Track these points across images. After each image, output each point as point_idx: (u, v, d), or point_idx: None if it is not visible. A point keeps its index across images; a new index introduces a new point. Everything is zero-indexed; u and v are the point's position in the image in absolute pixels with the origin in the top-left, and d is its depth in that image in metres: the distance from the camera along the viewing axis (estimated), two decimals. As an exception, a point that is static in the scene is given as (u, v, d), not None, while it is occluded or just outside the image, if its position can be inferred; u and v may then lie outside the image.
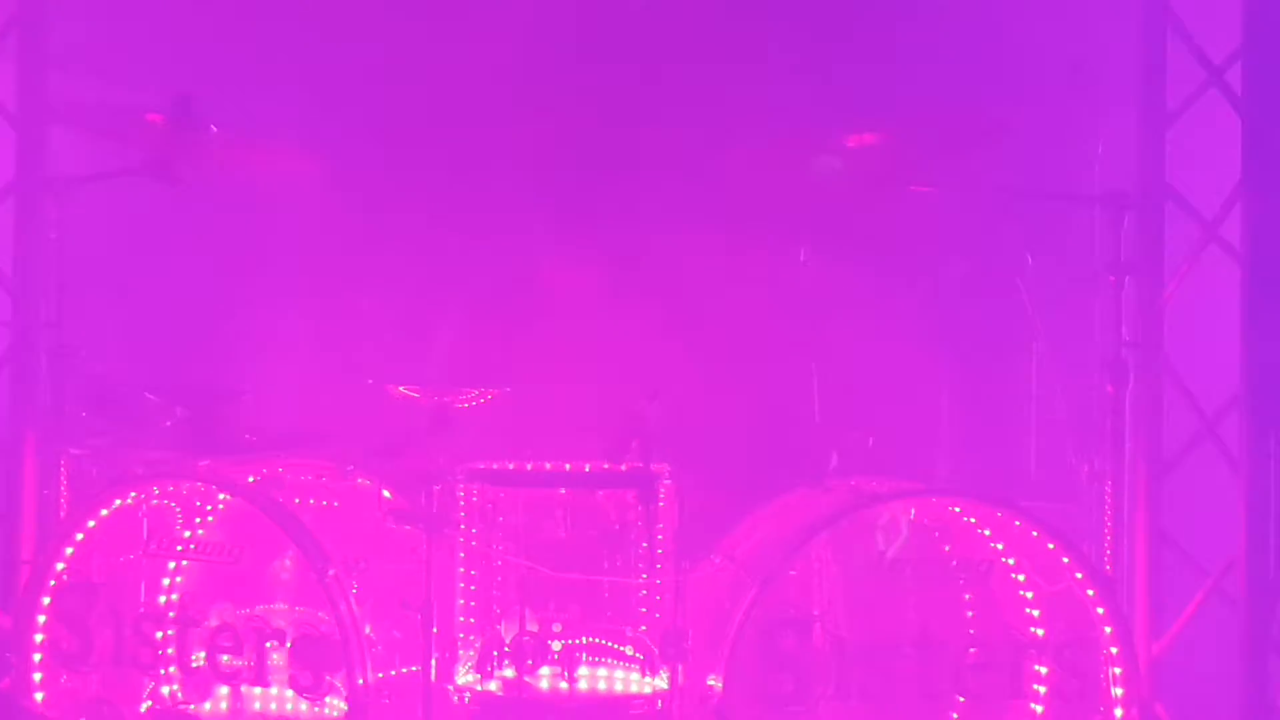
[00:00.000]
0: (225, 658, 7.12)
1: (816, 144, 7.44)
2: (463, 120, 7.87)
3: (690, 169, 7.85)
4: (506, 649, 6.99)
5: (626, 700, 7.04)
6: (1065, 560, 7.07)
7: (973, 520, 7.14)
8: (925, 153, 7.36)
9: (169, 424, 7.43)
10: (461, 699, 7.06)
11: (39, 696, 7.23)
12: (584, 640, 7.03)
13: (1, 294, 7.96)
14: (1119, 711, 7.06)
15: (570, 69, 7.90)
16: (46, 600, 7.23)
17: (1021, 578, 7.15)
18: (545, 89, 7.89)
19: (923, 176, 7.35)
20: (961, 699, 7.12)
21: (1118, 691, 7.06)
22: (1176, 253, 7.79)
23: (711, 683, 6.93)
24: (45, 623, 7.23)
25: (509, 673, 6.99)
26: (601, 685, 7.05)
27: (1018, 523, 7.07)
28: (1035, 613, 7.14)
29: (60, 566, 7.24)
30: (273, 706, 7.14)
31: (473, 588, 7.10)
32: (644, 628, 7.04)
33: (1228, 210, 7.73)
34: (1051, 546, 7.06)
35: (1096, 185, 7.87)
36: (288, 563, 7.29)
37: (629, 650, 7.05)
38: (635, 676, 7.05)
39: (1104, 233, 7.43)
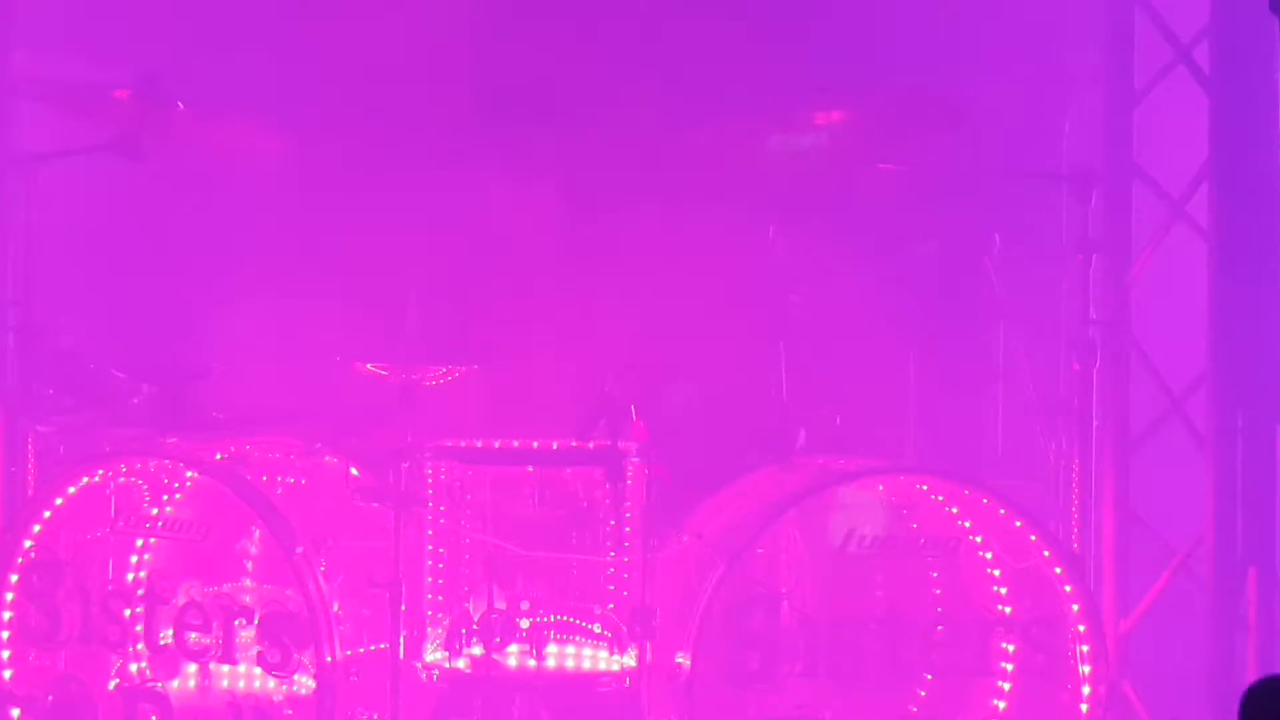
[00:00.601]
0: (193, 635, 7.11)
1: (783, 121, 7.44)
2: (427, 97, 7.85)
3: (657, 146, 7.84)
4: (475, 626, 6.99)
5: (595, 678, 7.04)
6: (1032, 538, 7.08)
7: (940, 498, 7.16)
8: (892, 131, 7.36)
9: (136, 401, 7.41)
10: (430, 676, 7.06)
11: (6, 674, 7.23)
12: (552, 618, 7.02)
13: (-32, 271, 7.94)
14: (1086, 689, 7.08)
15: (536, 41, 7.88)
16: (14, 578, 7.22)
17: (989, 555, 7.16)
18: (512, 62, 7.87)
19: (889, 155, 7.35)
20: (929, 676, 7.15)
21: (1085, 669, 7.08)
22: (1144, 231, 7.82)
23: (680, 660, 6.94)
24: (13, 600, 7.22)
25: (477, 650, 6.99)
26: (570, 663, 7.05)
27: (985, 500, 7.09)
28: (1003, 590, 7.16)
29: (28, 544, 7.23)
30: (241, 684, 7.14)
31: (441, 565, 7.09)
32: (612, 605, 7.04)
33: (1195, 188, 7.75)
34: (1019, 524, 7.08)
35: (1064, 164, 7.87)
36: (255, 540, 7.28)
37: (597, 628, 7.05)
38: (603, 654, 7.05)
39: (1071, 211, 7.45)
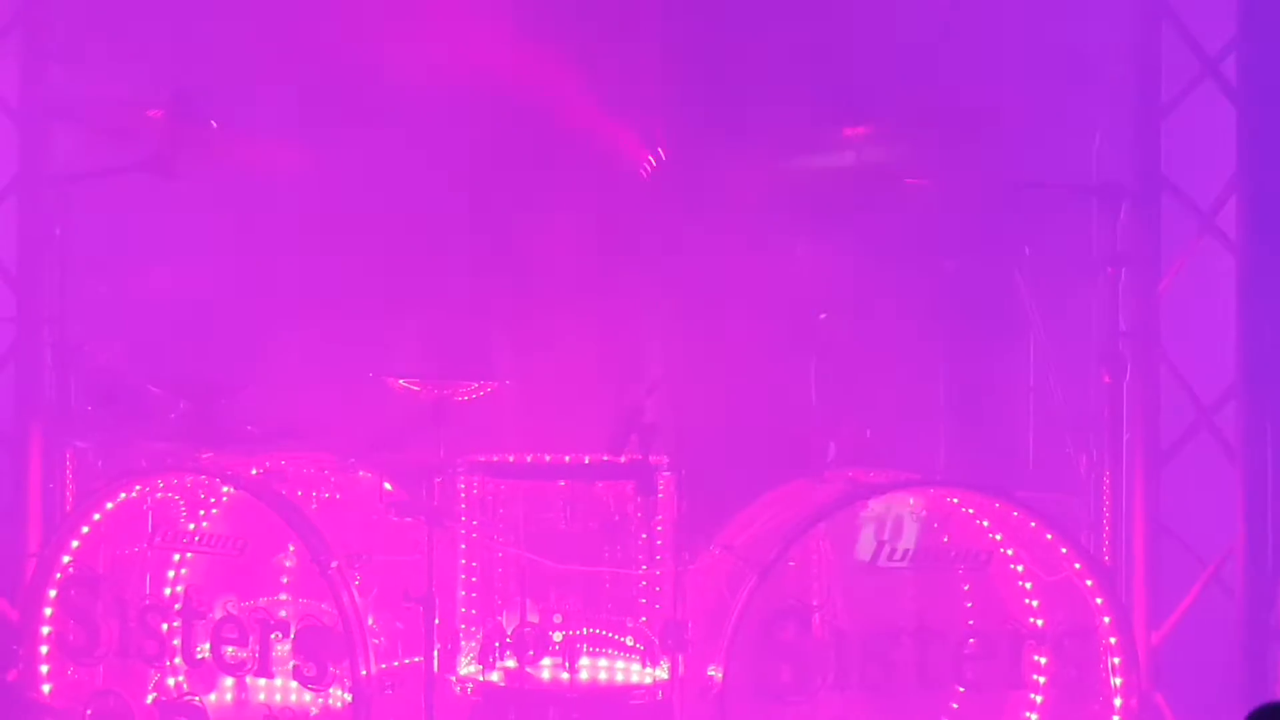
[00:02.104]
0: (230, 649, 7.16)
1: (812, 138, 7.47)
2: (459, 113, 7.89)
3: (687, 164, 7.87)
4: (508, 640, 7.03)
5: (627, 690, 7.07)
6: (1064, 550, 7.10)
7: (971, 511, 7.17)
8: (921, 146, 7.38)
9: (173, 417, 7.46)
10: (464, 689, 7.10)
11: (46, 688, 7.29)
12: (585, 631, 7.06)
13: (5, 289, 8.01)
14: (1118, 701, 7.09)
15: (576, 60, 7.91)
16: (53, 593, 7.29)
17: (1020, 568, 7.17)
18: (546, 79, 7.90)
19: (919, 169, 7.37)
20: (961, 689, 7.16)
21: (1117, 681, 7.10)
22: (1173, 244, 7.81)
23: (711, 673, 6.96)
24: (52, 615, 7.29)
25: (510, 663, 7.02)
26: (602, 676, 7.09)
27: (1016, 513, 7.10)
28: (1034, 603, 7.17)
29: (66, 559, 7.29)
30: (277, 697, 7.19)
31: (474, 579, 7.13)
32: (644, 618, 7.08)
33: (1223, 201, 7.75)
34: (1050, 537, 7.09)
35: (1093, 177, 7.86)
36: (291, 555, 7.32)
37: (629, 641, 7.08)
38: (636, 667, 7.09)
39: (1101, 224, 7.46)
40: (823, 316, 7.45)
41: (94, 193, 7.67)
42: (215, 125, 7.41)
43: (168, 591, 7.32)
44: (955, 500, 7.17)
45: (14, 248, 8.00)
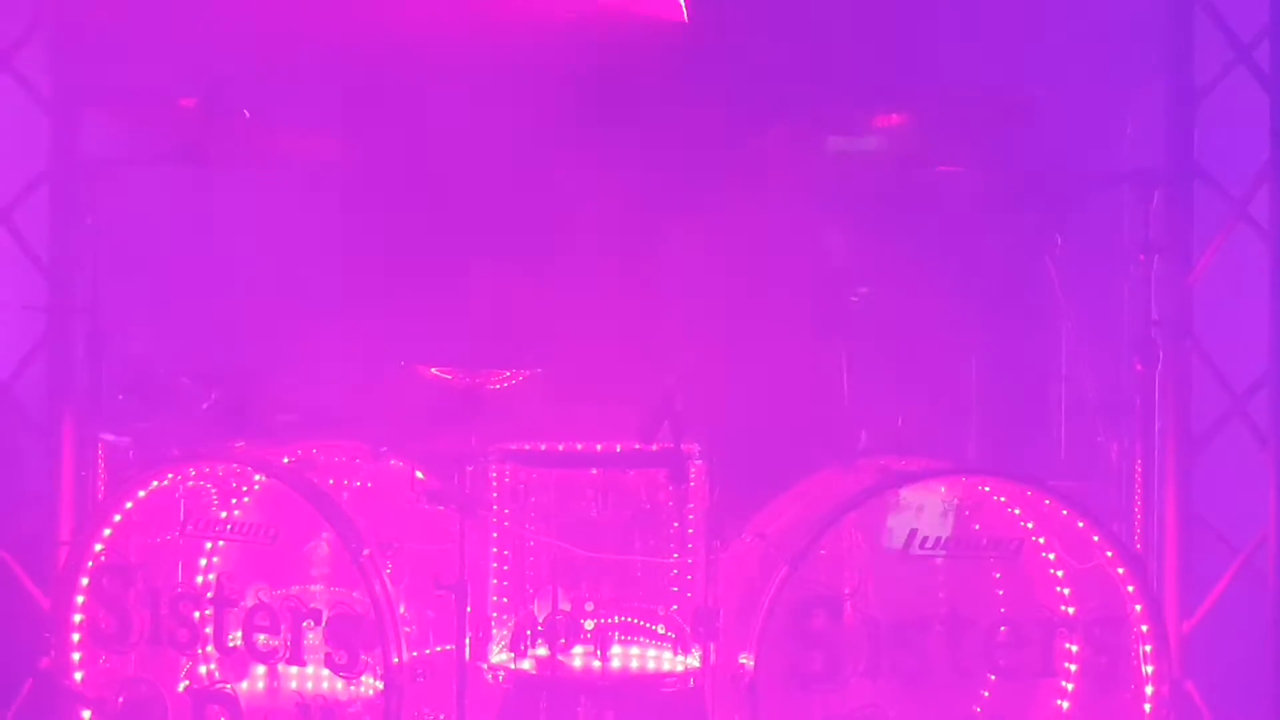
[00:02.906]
0: (262, 637, 7.17)
1: (843, 123, 7.46)
2: (492, 100, 7.89)
3: (718, 149, 7.87)
4: (540, 628, 7.03)
5: (659, 678, 7.07)
6: (1095, 539, 7.08)
7: (1002, 499, 7.17)
8: (953, 133, 7.37)
9: (204, 407, 7.48)
10: (495, 677, 7.11)
11: (78, 676, 7.30)
12: (616, 619, 7.06)
13: (38, 279, 8.03)
14: (1150, 689, 7.08)
15: (602, 56, 7.92)
16: (85, 581, 7.30)
17: (1052, 556, 7.16)
18: (569, 67, 7.91)
19: (951, 156, 7.36)
20: (992, 677, 7.15)
21: (1148, 669, 7.08)
22: (1205, 231, 7.80)
23: (743, 661, 6.97)
24: (84, 603, 7.29)
25: (542, 651, 7.03)
26: (634, 664, 7.09)
27: (1047, 501, 7.09)
28: (1066, 591, 7.16)
29: (98, 548, 7.30)
30: (309, 685, 7.20)
31: (506, 567, 7.14)
32: (676, 607, 7.08)
33: (1256, 188, 7.73)
34: (1081, 525, 7.08)
35: (1125, 164, 7.86)
36: (323, 543, 7.34)
37: (661, 629, 7.08)
38: (667, 655, 7.09)
39: (1133, 212, 7.45)
40: (855, 298, 7.45)
41: (126, 182, 7.69)
42: (248, 114, 7.42)
43: (199, 580, 7.34)
44: (987, 488, 7.16)
45: (46, 237, 8.02)
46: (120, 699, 7.25)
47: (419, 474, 7.33)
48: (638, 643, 7.09)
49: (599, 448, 7.14)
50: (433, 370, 7.10)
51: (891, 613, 7.09)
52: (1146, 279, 7.38)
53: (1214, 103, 7.80)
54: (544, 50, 7.85)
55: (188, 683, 7.30)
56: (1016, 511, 7.16)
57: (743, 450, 7.20)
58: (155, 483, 7.29)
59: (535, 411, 7.34)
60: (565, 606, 7.04)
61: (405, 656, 7.01)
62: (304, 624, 7.13)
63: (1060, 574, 7.16)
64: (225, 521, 7.31)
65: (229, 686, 7.22)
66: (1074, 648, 7.14)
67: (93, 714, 7.28)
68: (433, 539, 7.14)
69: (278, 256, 8.00)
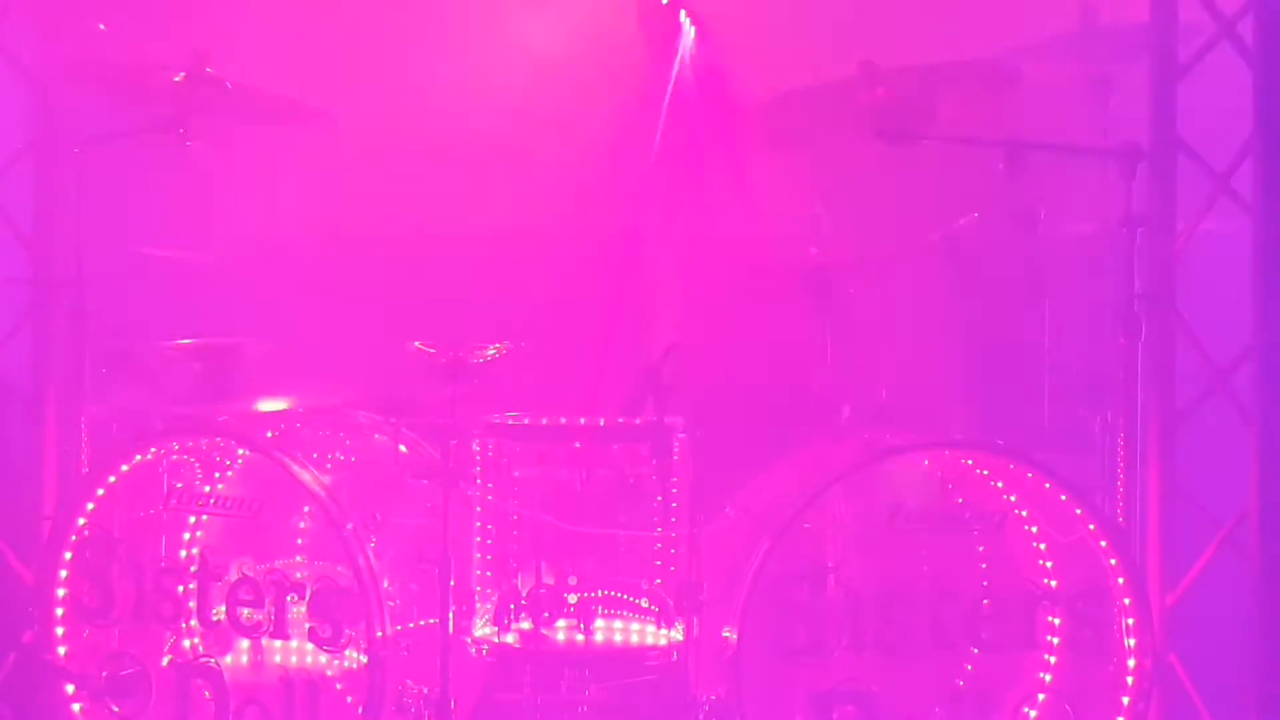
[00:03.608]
0: (245, 611, 7.17)
1: (826, 95, 7.45)
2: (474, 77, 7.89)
3: (706, 125, 7.85)
4: (523, 602, 7.03)
5: (642, 652, 7.08)
6: (1078, 512, 7.10)
7: (986, 472, 7.18)
8: (936, 105, 7.36)
9: (188, 380, 7.48)
10: (479, 651, 7.11)
11: (61, 650, 7.30)
12: (600, 593, 7.06)
13: (21, 252, 8.02)
14: (1132, 662, 7.10)
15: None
16: (68, 555, 7.29)
17: (1035, 529, 7.18)
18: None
19: (934, 129, 7.35)
20: (975, 650, 7.17)
21: (1131, 642, 7.09)
22: (1189, 205, 7.80)
23: (726, 635, 6.98)
24: (67, 577, 7.29)
25: (526, 625, 7.04)
26: (617, 637, 7.09)
27: (1030, 474, 7.10)
28: (1048, 564, 7.18)
29: (81, 522, 7.30)
30: (293, 659, 7.20)
31: (489, 541, 7.13)
32: (659, 580, 7.07)
33: (1239, 162, 7.73)
34: (1064, 498, 7.09)
35: (1109, 138, 7.86)
36: (306, 517, 7.34)
37: (644, 603, 7.08)
38: (651, 629, 7.10)
39: (1116, 185, 7.43)
40: (838, 275, 7.44)
41: (110, 155, 7.67)
42: (230, 86, 7.40)
43: (183, 554, 7.33)
44: (970, 461, 7.17)
45: (30, 210, 8.00)
46: (104, 673, 7.26)
47: (402, 448, 7.33)
48: (621, 616, 7.09)
49: (582, 421, 7.13)
50: (416, 344, 7.09)
51: (874, 586, 7.09)
52: (1130, 252, 7.35)
53: (1198, 77, 7.80)
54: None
55: (171, 657, 7.30)
56: (1000, 485, 7.18)
57: (727, 424, 7.20)
58: (139, 456, 7.28)
59: (519, 386, 7.33)
60: (549, 580, 7.05)
61: (389, 630, 7.02)
62: (288, 598, 7.13)
63: (1043, 547, 7.18)
64: (209, 495, 7.30)
65: (213, 660, 7.22)
66: (1056, 621, 7.16)
67: (76, 688, 7.28)
68: (416, 513, 7.14)
69: (261, 229, 7.99)
